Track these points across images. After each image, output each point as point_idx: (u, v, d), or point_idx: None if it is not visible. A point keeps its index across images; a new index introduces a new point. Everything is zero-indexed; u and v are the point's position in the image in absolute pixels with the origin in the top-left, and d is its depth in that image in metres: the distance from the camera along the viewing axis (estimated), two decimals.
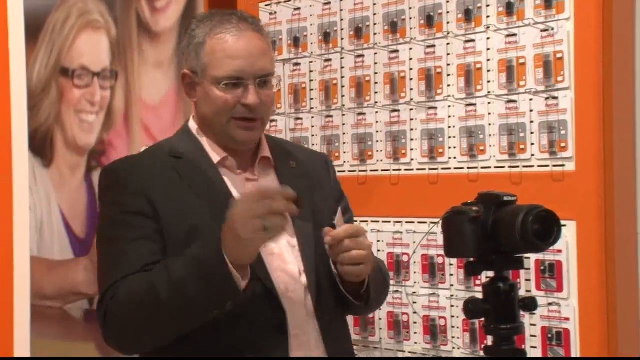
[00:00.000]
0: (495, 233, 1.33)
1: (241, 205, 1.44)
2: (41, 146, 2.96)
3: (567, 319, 2.05)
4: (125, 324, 1.51)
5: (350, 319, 1.97)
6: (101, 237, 1.62)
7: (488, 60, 2.22)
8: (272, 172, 1.69)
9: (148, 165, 1.64)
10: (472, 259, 1.36)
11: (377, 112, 2.43)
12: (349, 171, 2.48)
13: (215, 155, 1.65)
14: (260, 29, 1.65)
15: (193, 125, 1.70)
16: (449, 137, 2.29)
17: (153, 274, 1.49)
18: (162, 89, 3.20)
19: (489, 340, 1.38)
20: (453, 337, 2.24)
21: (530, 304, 1.36)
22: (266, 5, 2.74)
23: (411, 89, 2.37)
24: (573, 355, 2.03)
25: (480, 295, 1.37)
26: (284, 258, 1.60)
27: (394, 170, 2.40)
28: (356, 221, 1.84)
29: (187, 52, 1.65)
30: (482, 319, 1.36)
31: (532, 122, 2.13)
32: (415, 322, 2.32)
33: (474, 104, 2.24)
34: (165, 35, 3.18)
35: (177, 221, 1.55)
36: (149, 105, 3.26)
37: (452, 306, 2.23)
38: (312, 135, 2.57)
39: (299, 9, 2.65)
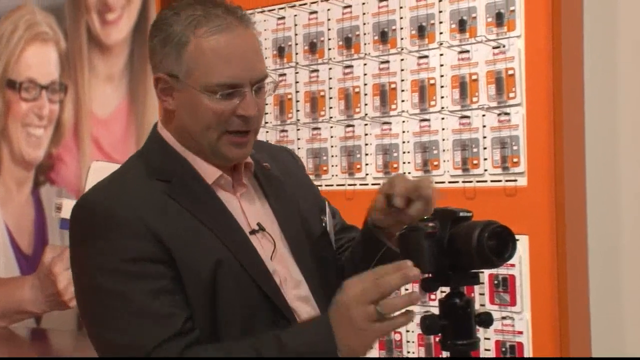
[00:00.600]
0: (451, 249, 1.33)
1: (353, 287, 1.22)
2: None
3: (521, 332, 2.07)
4: None
5: None
6: (98, 293, 1.29)
7: (441, 76, 2.24)
8: (254, 179, 1.47)
9: (139, 195, 1.33)
10: (428, 275, 1.36)
11: (331, 127, 2.43)
12: None
13: (208, 175, 1.39)
14: (250, 23, 1.37)
15: (168, 135, 1.40)
16: (404, 152, 2.30)
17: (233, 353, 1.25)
18: (113, 103, 3.16)
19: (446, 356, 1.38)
20: (408, 352, 2.24)
21: (486, 320, 1.35)
22: None
23: (365, 104, 2.38)
24: None
25: (435, 310, 1.37)
26: (295, 281, 1.42)
27: (349, 185, 2.40)
28: None
29: (163, 53, 1.34)
30: (439, 335, 1.36)
31: (484, 137, 2.16)
32: None
33: (428, 120, 2.26)
34: (117, 48, 3.14)
35: (197, 260, 1.30)
36: (99, 119, 3.21)
37: None
38: None
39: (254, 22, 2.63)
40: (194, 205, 1.35)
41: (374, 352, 2.30)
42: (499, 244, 1.30)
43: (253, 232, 1.42)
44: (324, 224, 1.49)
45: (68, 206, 3.27)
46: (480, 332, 2.01)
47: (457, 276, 1.35)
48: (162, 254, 1.29)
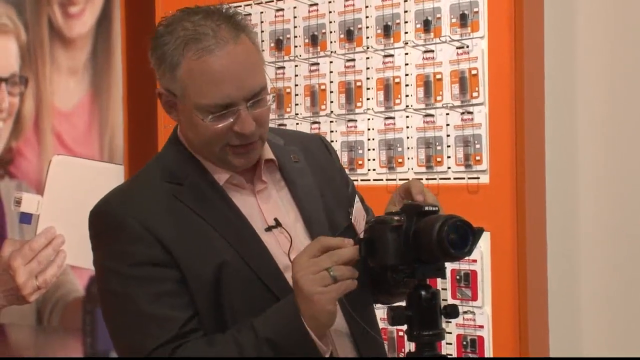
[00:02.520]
0: (415, 242, 1.36)
1: (301, 261, 1.27)
2: None
3: (482, 326, 2.12)
4: None
5: None
6: (108, 293, 1.37)
7: (406, 75, 2.27)
8: (278, 174, 1.48)
9: (146, 200, 1.37)
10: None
11: (297, 124, 2.45)
12: None
13: (219, 176, 1.42)
14: (244, 28, 1.36)
15: (184, 139, 1.45)
16: (369, 149, 2.33)
17: (218, 351, 1.28)
18: (75, 96, 3.12)
19: (412, 347, 1.41)
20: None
21: (451, 312, 1.39)
22: None
23: (331, 102, 2.40)
24: None
25: (402, 303, 1.40)
26: None
27: None
28: None
29: (160, 70, 1.38)
30: (404, 326, 1.39)
31: (448, 135, 2.20)
32: None
33: (393, 118, 2.29)
34: (80, 41, 3.11)
35: (200, 262, 1.34)
36: (61, 113, 3.17)
37: None
38: None
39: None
40: (202, 207, 1.38)
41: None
42: (460, 237, 1.33)
43: (269, 228, 1.42)
44: (350, 217, 1.48)
45: (27, 200, 3.23)
46: (443, 326, 2.06)
47: (422, 269, 1.38)
48: (165, 257, 1.33)
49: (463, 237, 1.33)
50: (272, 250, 1.42)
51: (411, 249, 1.36)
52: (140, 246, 1.33)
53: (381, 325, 2.25)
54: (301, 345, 1.27)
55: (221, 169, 1.43)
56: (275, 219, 1.44)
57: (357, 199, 1.53)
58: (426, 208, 1.38)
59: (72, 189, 3.11)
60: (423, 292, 1.38)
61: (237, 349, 1.29)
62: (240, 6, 2.56)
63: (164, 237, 1.34)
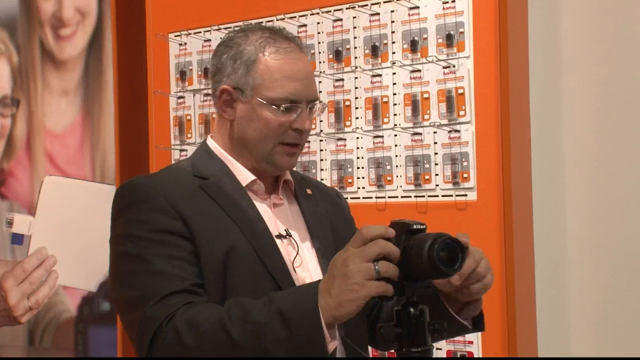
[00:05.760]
0: (405, 260, 1.38)
1: (350, 249, 1.27)
2: None
3: (471, 342, 2.14)
4: (181, 353, 1.33)
5: None
6: (124, 256, 1.42)
7: (394, 94, 2.31)
8: (292, 197, 1.59)
9: (174, 183, 1.48)
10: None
11: None
12: None
13: (242, 177, 1.52)
14: (305, 50, 1.56)
15: (214, 144, 1.56)
16: (358, 168, 2.36)
17: (224, 313, 1.31)
18: (68, 117, 3.15)
19: None
20: None
21: (439, 329, 1.41)
22: (176, 36, 2.75)
23: (321, 121, 2.43)
24: None
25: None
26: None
27: None
28: None
29: (232, 67, 1.49)
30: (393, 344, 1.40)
31: (436, 153, 2.23)
32: None
33: (382, 136, 2.33)
34: (71, 63, 3.14)
35: (214, 242, 1.42)
36: (53, 134, 3.19)
37: None
38: None
39: (209, 40, 2.68)
40: (222, 199, 1.47)
41: None
42: (450, 255, 1.35)
43: (280, 236, 1.50)
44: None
45: (19, 221, 3.24)
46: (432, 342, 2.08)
47: (411, 286, 1.40)
48: (184, 230, 1.41)
49: (453, 254, 1.35)
50: None
51: (400, 267, 1.38)
52: (161, 216, 1.41)
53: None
54: (308, 327, 1.27)
55: (246, 170, 1.52)
56: (286, 230, 1.52)
57: None
58: (415, 226, 1.41)
59: (64, 209, 3.12)
60: (412, 309, 1.40)
61: (244, 320, 1.30)
62: (231, 26, 2.59)
63: (186, 214, 1.42)
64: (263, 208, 1.52)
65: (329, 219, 1.60)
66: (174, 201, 1.43)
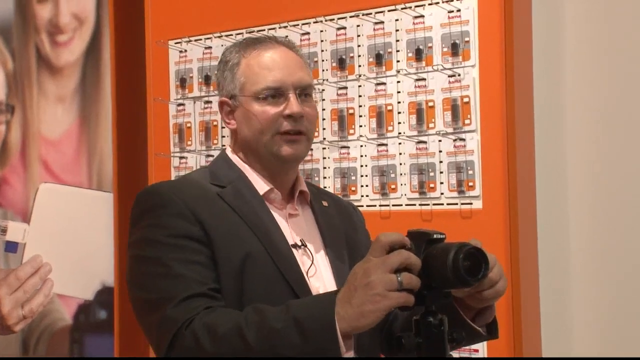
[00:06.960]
0: (426, 269, 1.38)
1: (372, 259, 1.28)
2: None
3: (477, 350, 2.14)
4: (198, 356, 1.34)
5: None
6: (143, 260, 1.44)
7: (399, 102, 2.32)
8: (308, 208, 1.60)
9: (193, 190, 1.50)
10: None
11: None
12: None
13: (259, 186, 1.54)
14: (293, 47, 1.58)
15: (232, 154, 1.59)
16: (361, 176, 2.36)
17: (241, 318, 1.32)
18: (63, 124, 3.12)
19: None
20: None
21: (457, 338, 1.41)
22: (176, 43, 2.74)
23: (324, 129, 2.43)
24: None
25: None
26: None
27: None
28: None
29: (223, 78, 1.57)
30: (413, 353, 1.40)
31: (441, 162, 2.24)
32: None
33: (386, 144, 2.33)
34: (68, 70, 3.11)
35: (231, 248, 1.43)
36: (49, 141, 3.16)
37: None
38: None
39: (210, 47, 2.67)
40: (240, 206, 1.49)
41: None
42: (473, 264, 1.36)
43: (295, 246, 1.51)
44: None
45: (13, 229, 3.20)
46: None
47: (431, 295, 1.40)
48: (202, 236, 1.43)
49: (476, 264, 1.36)
50: None
51: (421, 276, 1.38)
52: (181, 221, 1.43)
53: None
54: (323, 336, 1.27)
55: (263, 179, 1.54)
56: (301, 240, 1.53)
57: None
58: (435, 236, 1.41)
59: (59, 217, 3.09)
60: (431, 319, 1.40)
61: (262, 317, 1.31)
62: (233, 34, 2.59)
63: (205, 221, 1.44)
64: (279, 218, 1.54)
65: (343, 231, 1.61)
66: (193, 207, 1.45)
